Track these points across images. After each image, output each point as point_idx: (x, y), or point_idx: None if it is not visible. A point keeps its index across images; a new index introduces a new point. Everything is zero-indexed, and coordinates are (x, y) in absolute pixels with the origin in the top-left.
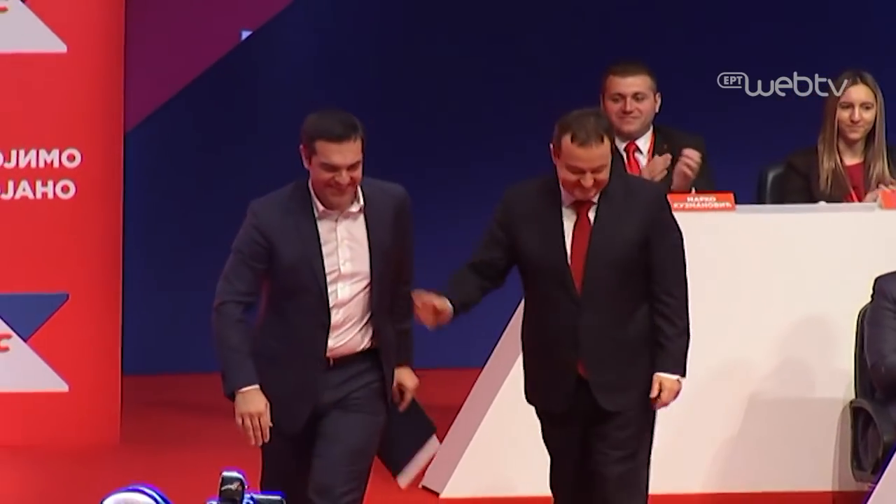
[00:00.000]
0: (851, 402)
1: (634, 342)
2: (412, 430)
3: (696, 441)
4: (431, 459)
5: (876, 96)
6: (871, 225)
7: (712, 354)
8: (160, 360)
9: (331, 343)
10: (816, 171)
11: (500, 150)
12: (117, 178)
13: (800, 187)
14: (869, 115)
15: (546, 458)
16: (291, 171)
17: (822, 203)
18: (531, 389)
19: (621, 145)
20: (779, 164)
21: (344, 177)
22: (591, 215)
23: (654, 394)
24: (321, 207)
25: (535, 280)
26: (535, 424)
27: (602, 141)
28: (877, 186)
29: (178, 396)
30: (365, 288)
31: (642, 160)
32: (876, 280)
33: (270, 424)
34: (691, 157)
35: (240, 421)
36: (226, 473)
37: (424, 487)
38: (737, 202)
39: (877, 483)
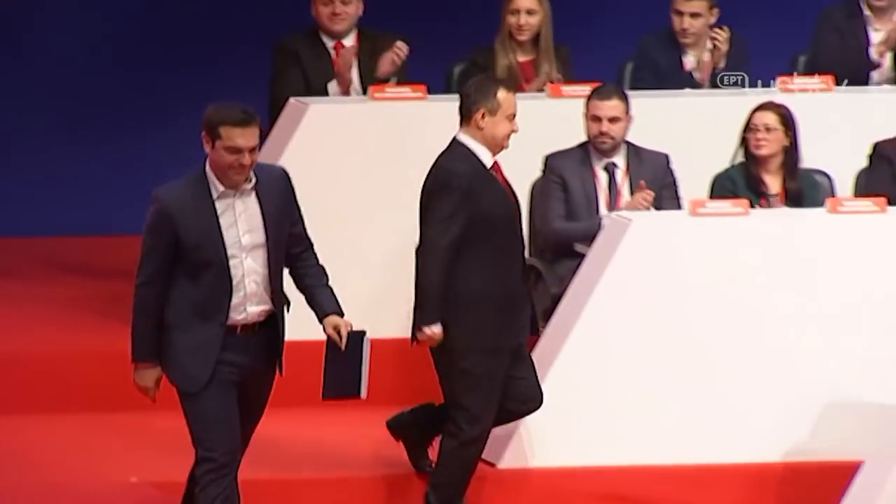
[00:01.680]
0: (525, 261)
1: None
2: (351, 355)
3: (398, 292)
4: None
5: (541, 4)
6: (541, 111)
7: (395, 233)
8: None
9: (233, 310)
10: (494, 67)
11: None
12: None
13: None
14: (534, 20)
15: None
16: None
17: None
18: (477, 333)
19: (329, 43)
20: (465, 59)
21: (246, 158)
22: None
23: None
24: (220, 188)
25: (494, 236)
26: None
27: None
28: (546, 81)
29: None
30: (263, 257)
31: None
32: (546, 158)
33: (153, 398)
34: (401, 48)
35: (137, 388)
36: None
37: None
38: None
39: (545, 327)
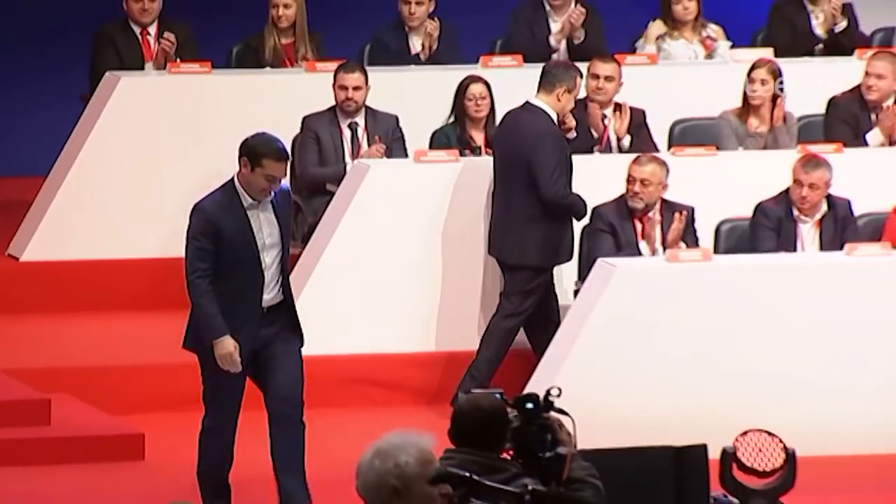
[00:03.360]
0: None
1: None
2: None
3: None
4: None
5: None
6: (299, 83)
7: (188, 182)
8: None
9: (264, 296)
10: (263, 47)
11: None
12: None
13: (253, 59)
14: (290, 12)
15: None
16: None
17: (268, 68)
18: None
19: (137, 30)
20: (241, 41)
21: (277, 184)
22: None
23: None
24: (249, 200)
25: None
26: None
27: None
28: (303, 59)
29: None
30: (279, 254)
31: None
32: (303, 118)
33: (238, 364)
34: (167, 39)
35: (220, 362)
36: None
37: (9, 255)
38: None
39: (306, 247)
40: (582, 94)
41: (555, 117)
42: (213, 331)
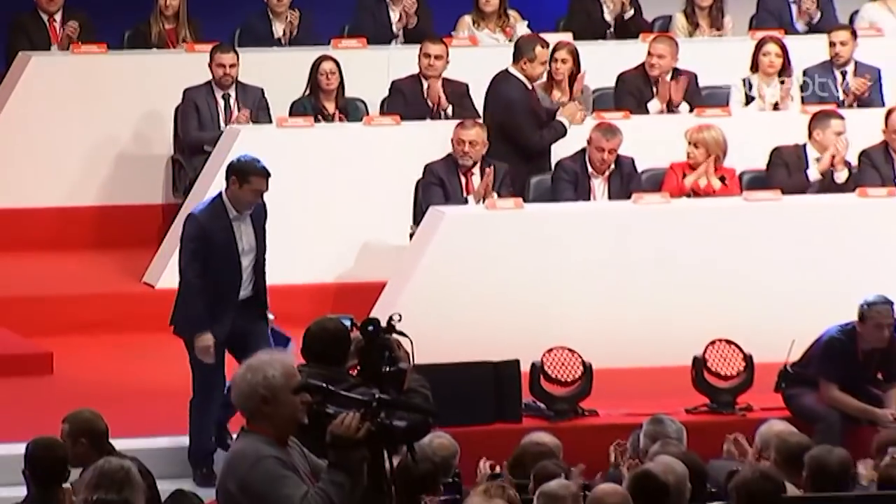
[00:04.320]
0: (172, 157)
1: None
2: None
3: (87, 186)
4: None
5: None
6: (180, 61)
7: (90, 148)
8: None
9: (241, 292)
10: (150, 32)
11: None
12: None
13: (142, 42)
14: (174, 2)
15: None
16: None
17: (154, 49)
18: None
19: (45, 17)
20: (132, 26)
21: (261, 198)
22: None
23: None
24: (234, 213)
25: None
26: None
27: None
28: (184, 42)
29: None
30: (254, 258)
31: None
32: (184, 91)
33: (213, 356)
34: (71, 26)
35: (197, 353)
36: None
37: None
38: None
39: (187, 198)
40: (416, 69)
41: (526, 82)
42: (200, 326)
